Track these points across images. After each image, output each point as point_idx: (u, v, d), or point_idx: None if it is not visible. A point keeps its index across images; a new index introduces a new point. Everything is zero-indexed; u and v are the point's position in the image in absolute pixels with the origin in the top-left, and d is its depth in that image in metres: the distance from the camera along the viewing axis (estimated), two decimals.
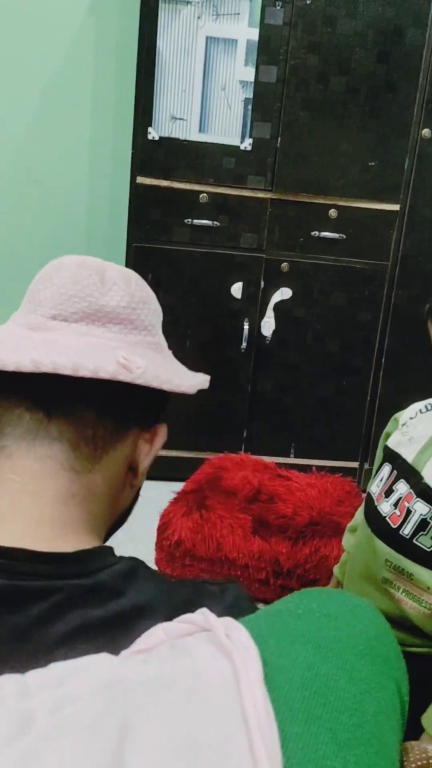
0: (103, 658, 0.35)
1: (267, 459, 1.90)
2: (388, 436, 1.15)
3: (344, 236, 2.30)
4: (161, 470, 2.37)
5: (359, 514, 1.15)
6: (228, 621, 0.38)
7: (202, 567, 1.53)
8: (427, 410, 1.10)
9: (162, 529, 1.59)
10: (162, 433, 0.60)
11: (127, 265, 2.27)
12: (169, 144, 2.18)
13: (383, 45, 2.14)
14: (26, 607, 0.45)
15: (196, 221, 2.23)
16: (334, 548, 1.48)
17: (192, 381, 0.60)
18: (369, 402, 2.46)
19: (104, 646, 0.39)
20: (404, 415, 1.13)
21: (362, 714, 0.34)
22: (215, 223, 2.25)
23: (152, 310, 0.62)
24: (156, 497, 1.92)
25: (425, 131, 2.24)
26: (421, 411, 1.11)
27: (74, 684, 0.32)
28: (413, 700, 0.42)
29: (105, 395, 0.53)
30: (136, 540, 2.06)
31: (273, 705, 0.32)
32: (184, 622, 0.40)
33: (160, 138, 2.17)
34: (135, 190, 2.20)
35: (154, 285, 2.29)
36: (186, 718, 0.30)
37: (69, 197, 2.58)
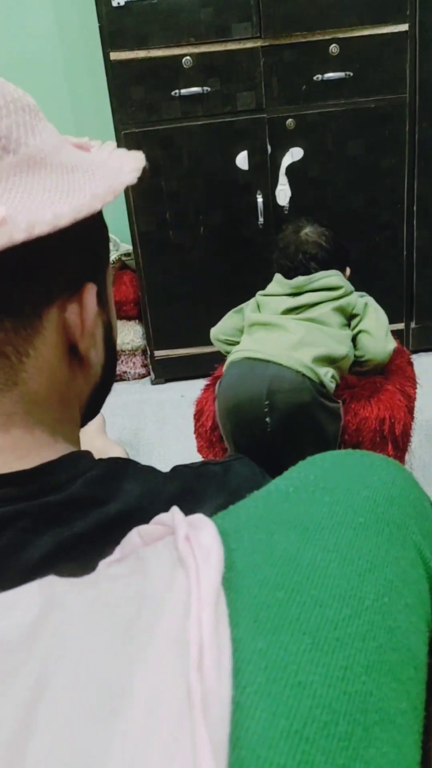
0: (46, 582, 0.29)
1: None
2: None
3: (351, 73, 2.04)
4: (201, 368, 2.31)
5: None
6: (196, 518, 0.31)
7: None
8: None
9: (197, 416, 1.54)
10: (88, 296, 0.44)
11: None
12: (137, 8, 1.93)
13: None
14: None
15: (184, 91, 2.02)
16: (373, 408, 1.40)
17: (104, 186, 0.40)
18: (406, 257, 2.28)
19: (90, 563, 0.34)
20: None
21: (359, 600, 0.27)
22: (205, 89, 2.02)
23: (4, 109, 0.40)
24: (195, 395, 1.86)
25: None
26: None
27: (4, 621, 0.27)
28: None
29: None
30: (183, 436, 2.04)
31: (236, 619, 0.25)
32: (157, 522, 0.33)
33: (126, 2, 1.92)
34: (111, 68, 1.99)
35: (153, 172, 2.13)
36: (116, 663, 0.24)
37: (46, 93, 2.37)
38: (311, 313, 1.46)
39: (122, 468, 0.45)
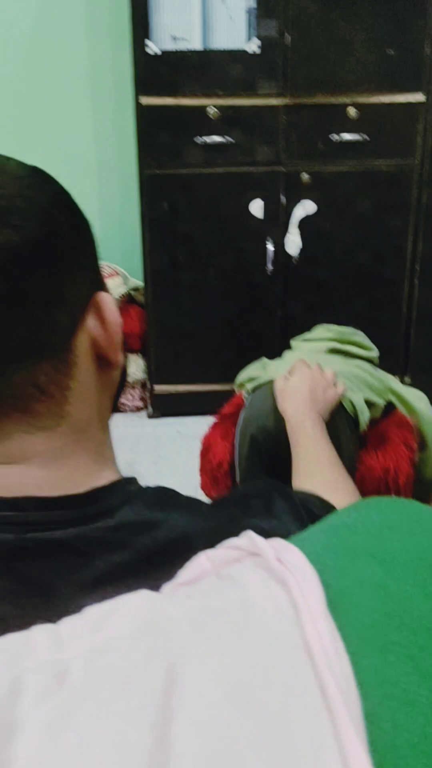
0: (143, 595, 0.30)
1: None
2: None
3: (366, 136, 2.14)
4: (198, 405, 2.34)
5: None
6: (277, 542, 0.33)
7: None
8: None
9: (204, 453, 1.55)
10: (106, 303, 0.44)
11: (141, 196, 2.15)
12: (170, 57, 2.02)
13: None
14: (46, 560, 0.39)
15: (207, 139, 2.10)
16: (379, 458, 1.43)
17: None
18: (406, 312, 2.36)
19: (140, 587, 0.35)
20: None
21: None
22: (228, 138, 2.11)
23: None
24: (198, 432, 1.89)
25: None
26: None
27: (111, 628, 0.28)
28: None
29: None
30: (178, 471, 2.06)
31: (340, 634, 0.27)
32: (229, 547, 0.34)
33: (162, 52, 2.01)
34: (140, 112, 2.06)
35: (171, 214, 2.19)
36: (240, 658, 0.26)
37: (72, 128, 2.44)
38: (357, 361, 1.45)
39: (169, 496, 0.46)
